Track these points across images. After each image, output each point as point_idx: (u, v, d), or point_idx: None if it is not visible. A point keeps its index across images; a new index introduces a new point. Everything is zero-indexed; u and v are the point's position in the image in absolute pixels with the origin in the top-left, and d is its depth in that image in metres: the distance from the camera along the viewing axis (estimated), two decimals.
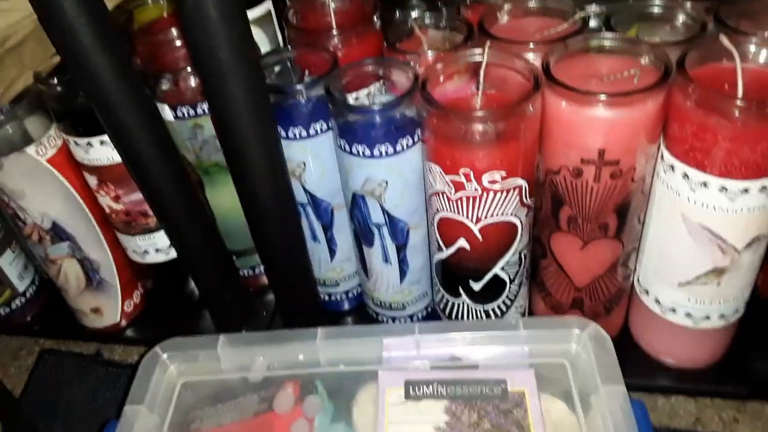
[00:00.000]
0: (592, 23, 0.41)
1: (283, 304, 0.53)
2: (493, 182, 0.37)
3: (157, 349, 0.38)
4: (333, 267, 0.51)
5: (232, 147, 0.40)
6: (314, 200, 0.46)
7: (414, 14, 0.46)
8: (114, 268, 0.53)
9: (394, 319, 0.50)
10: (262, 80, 0.38)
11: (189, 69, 0.45)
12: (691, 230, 0.38)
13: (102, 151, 0.45)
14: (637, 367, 0.46)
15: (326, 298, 0.54)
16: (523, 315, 0.46)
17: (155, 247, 0.51)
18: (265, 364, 0.37)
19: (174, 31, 0.45)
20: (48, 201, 0.48)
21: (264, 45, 0.49)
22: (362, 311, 0.54)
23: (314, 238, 0.49)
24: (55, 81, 0.44)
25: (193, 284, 0.56)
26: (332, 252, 0.50)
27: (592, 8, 0.41)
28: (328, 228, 0.48)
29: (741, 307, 0.42)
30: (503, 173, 0.37)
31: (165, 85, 0.46)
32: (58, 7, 0.34)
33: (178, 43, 0.45)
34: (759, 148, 0.33)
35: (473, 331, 0.36)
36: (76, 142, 0.45)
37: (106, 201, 0.48)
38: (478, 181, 0.37)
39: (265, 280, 0.58)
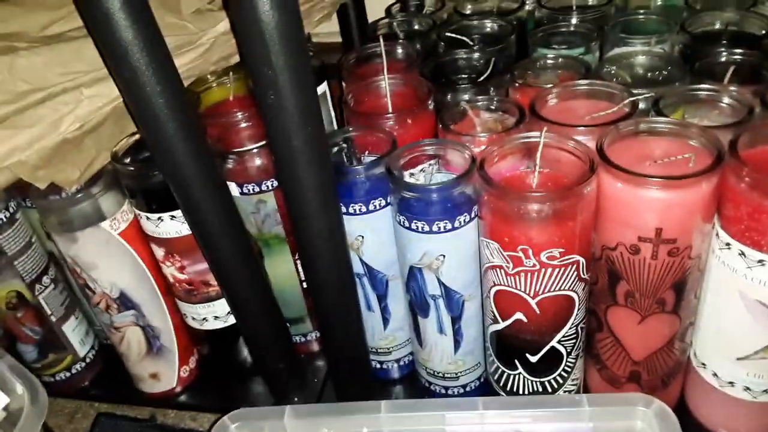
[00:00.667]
0: (641, 106, 0.43)
1: (335, 371, 0.54)
2: (551, 258, 0.39)
3: (226, 420, 0.40)
4: (386, 336, 0.52)
5: (297, 222, 0.42)
6: (370, 271, 0.48)
7: (466, 97, 0.49)
8: (173, 334, 0.55)
9: (446, 389, 0.51)
10: (329, 164, 0.40)
11: (254, 149, 0.48)
12: (748, 306, 0.38)
13: (171, 225, 0.48)
14: None
15: (377, 365, 0.55)
16: (579, 388, 0.46)
17: (214, 314, 0.53)
18: None
19: (239, 114, 0.48)
20: (118, 272, 0.50)
21: None
22: (413, 379, 0.54)
23: (369, 307, 0.50)
24: (130, 160, 0.47)
25: (245, 351, 0.57)
26: (386, 321, 0.51)
27: (641, 92, 0.43)
28: (382, 298, 0.50)
29: None
30: (561, 250, 0.38)
31: (231, 164, 0.49)
32: (147, 101, 0.37)
33: (244, 124, 0.48)
34: None
35: (537, 407, 0.36)
36: (147, 217, 0.48)
37: (171, 271, 0.51)
38: (536, 257, 0.39)
39: (315, 346, 0.59)
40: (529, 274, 0.40)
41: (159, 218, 0.48)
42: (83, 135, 0.45)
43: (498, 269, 0.41)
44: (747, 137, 0.37)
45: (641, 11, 0.57)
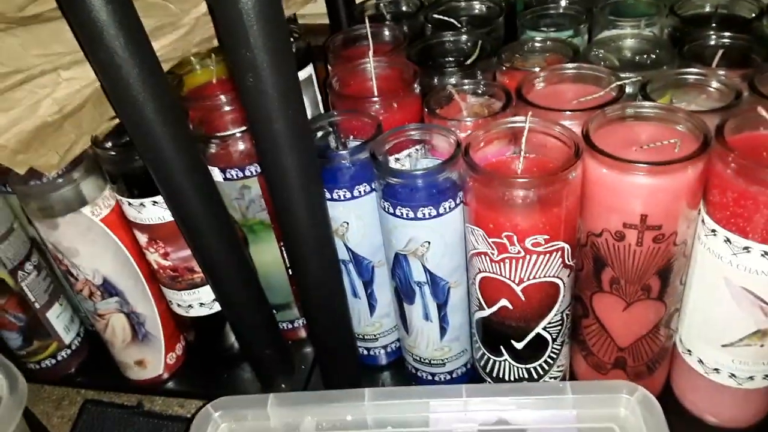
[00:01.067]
0: (628, 89, 0.42)
1: (322, 358, 0.54)
2: (536, 245, 0.38)
3: (209, 408, 0.39)
4: (372, 322, 0.52)
5: (281, 208, 0.41)
6: (356, 258, 0.48)
7: (452, 81, 0.48)
8: (159, 321, 0.54)
9: (433, 375, 0.51)
10: (311, 149, 0.40)
11: (238, 133, 0.47)
12: (733, 293, 0.38)
13: (154, 211, 0.47)
14: (680, 426, 0.45)
15: (364, 352, 0.54)
16: (564, 374, 0.46)
17: (200, 301, 0.53)
18: (314, 424, 0.38)
19: (223, 97, 0.47)
20: (100, 258, 0.49)
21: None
22: (400, 366, 0.54)
23: (355, 294, 0.50)
24: (111, 145, 0.47)
25: (232, 337, 0.57)
26: (372, 308, 0.51)
27: (628, 76, 0.42)
28: (368, 284, 0.49)
29: None
30: (546, 236, 0.38)
31: (214, 148, 0.48)
32: (124, 83, 0.36)
33: (227, 108, 0.48)
34: None
35: (521, 395, 0.36)
36: (129, 203, 0.47)
37: (154, 257, 0.50)
38: (521, 243, 0.38)
39: (302, 333, 0.59)
40: (514, 261, 0.39)
41: (141, 204, 0.47)
42: (62, 118, 0.44)
43: (483, 256, 0.41)
44: (734, 122, 0.36)
45: None
